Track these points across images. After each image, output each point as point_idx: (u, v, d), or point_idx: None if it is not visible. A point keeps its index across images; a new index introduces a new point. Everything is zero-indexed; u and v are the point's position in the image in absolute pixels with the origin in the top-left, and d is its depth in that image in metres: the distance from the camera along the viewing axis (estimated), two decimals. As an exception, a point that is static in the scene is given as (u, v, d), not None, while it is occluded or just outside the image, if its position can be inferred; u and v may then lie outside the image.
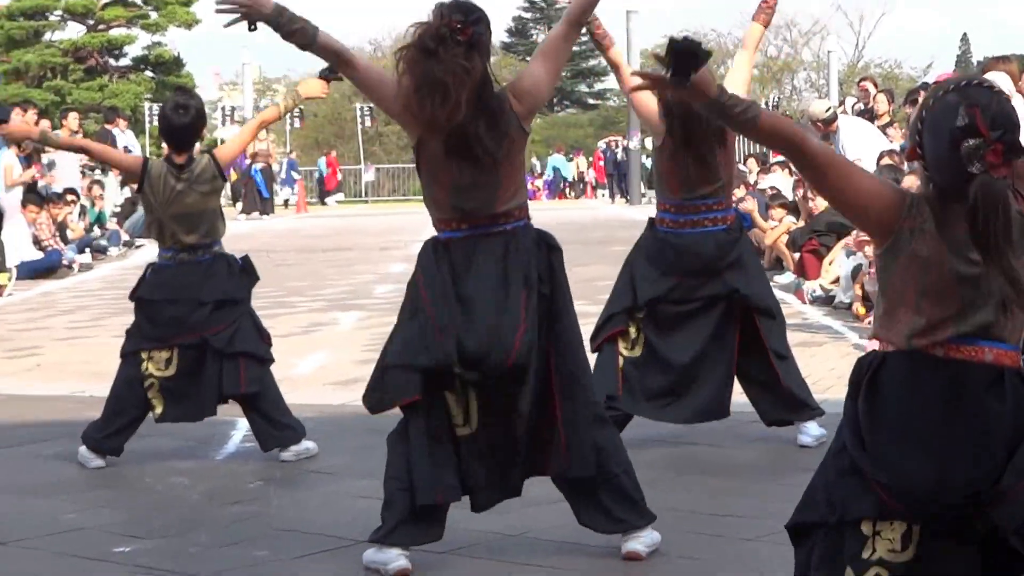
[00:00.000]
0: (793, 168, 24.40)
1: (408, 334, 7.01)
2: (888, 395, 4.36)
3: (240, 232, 33.16)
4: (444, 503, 7.02)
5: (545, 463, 7.12)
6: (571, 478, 7.11)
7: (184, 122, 9.83)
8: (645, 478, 8.65)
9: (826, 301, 16.82)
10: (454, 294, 6.96)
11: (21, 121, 26.48)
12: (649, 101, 9.42)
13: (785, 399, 9.58)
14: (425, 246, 7.13)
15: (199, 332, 9.90)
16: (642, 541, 7.13)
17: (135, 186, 10.04)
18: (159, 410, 9.82)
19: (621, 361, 9.52)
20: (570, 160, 65.36)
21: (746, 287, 9.49)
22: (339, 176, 60.97)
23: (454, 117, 6.73)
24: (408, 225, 30.46)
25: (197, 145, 10.15)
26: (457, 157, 6.89)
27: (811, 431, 9.60)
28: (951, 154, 4.33)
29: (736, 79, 9.68)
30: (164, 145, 10.27)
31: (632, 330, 9.54)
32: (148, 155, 32.88)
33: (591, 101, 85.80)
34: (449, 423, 6.99)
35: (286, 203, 52.33)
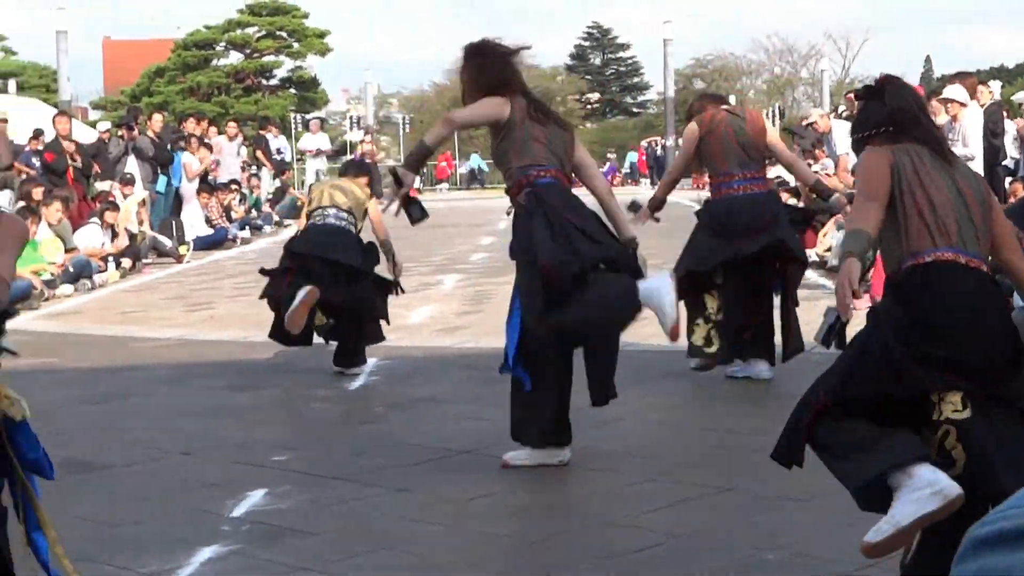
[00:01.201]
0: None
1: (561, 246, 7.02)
2: (939, 294, 4.50)
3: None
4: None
5: None
6: None
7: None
8: (674, 403, 8.70)
9: (821, 265, 16.78)
10: (568, 225, 7.02)
11: (195, 127, 26.70)
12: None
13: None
14: (529, 198, 7.09)
15: (340, 296, 10.05)
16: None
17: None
18: (323, 320, 10.18)
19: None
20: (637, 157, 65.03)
21: (788, 238, 9.51)
22: (449, 170, 60.96)
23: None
24: (494, 207, 30.46)
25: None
26: (540, 120, 7.20)
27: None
28: (869, 102, 4.84)
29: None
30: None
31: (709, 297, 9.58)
32: (293, 155, 33.08)
33: (635, 109, 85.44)
34: None
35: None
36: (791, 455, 4.70)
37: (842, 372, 4.50)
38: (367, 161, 35.55)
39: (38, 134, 22.91)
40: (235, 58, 70.40)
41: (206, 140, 26.57)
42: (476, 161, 59.99)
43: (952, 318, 4.41)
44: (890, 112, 4.66)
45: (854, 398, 4.47)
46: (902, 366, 4.41)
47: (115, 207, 20.28)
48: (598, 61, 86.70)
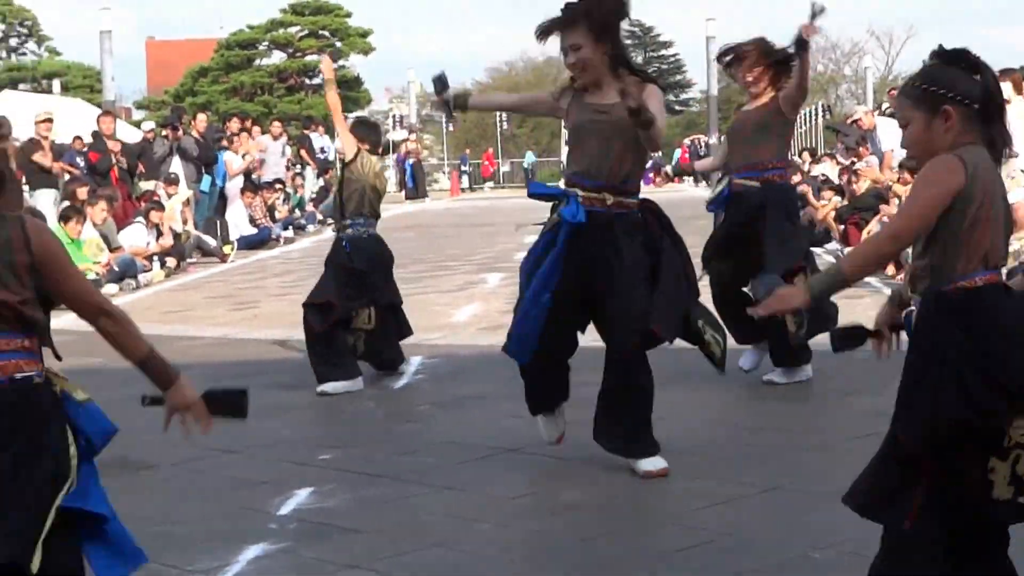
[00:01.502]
0: (839, 158, 24.19)
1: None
2: (994, 320, 4.29)
3: (406, 211, 33.39)
4: None
5: None
6: None
7: None
8: (722, 401, 8.63)
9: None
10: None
11: (239, 127, 26.79)
12: None
13: None
14: (652, 218, 7.37)
15: (385, 297, 10.08)
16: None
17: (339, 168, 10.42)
18: (361, 350, 10.06)
19: None
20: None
21: None
22: (492, 169, 61.11)
23: None
24: (538, 205, 30.43)
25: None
26: None
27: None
28: (951, 66, 4.42)
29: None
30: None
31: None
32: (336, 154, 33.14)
33: (677, 108, 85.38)
34: None
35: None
36: (884, 517, 4.53)
37: (922, 412, 4.34)
38: (416, 159, 34.70)
39: (96, 136, 23.06)
40: (278, 58, 70.73)
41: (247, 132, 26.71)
42: (530, 159, 60.07)
43: (1009, 343, 4.29)
44: (988, 91, 4.35)
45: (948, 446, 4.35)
46: (977, 398, 4.29)
47: (160, 206, 20.38)
48: (640, 59, 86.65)
